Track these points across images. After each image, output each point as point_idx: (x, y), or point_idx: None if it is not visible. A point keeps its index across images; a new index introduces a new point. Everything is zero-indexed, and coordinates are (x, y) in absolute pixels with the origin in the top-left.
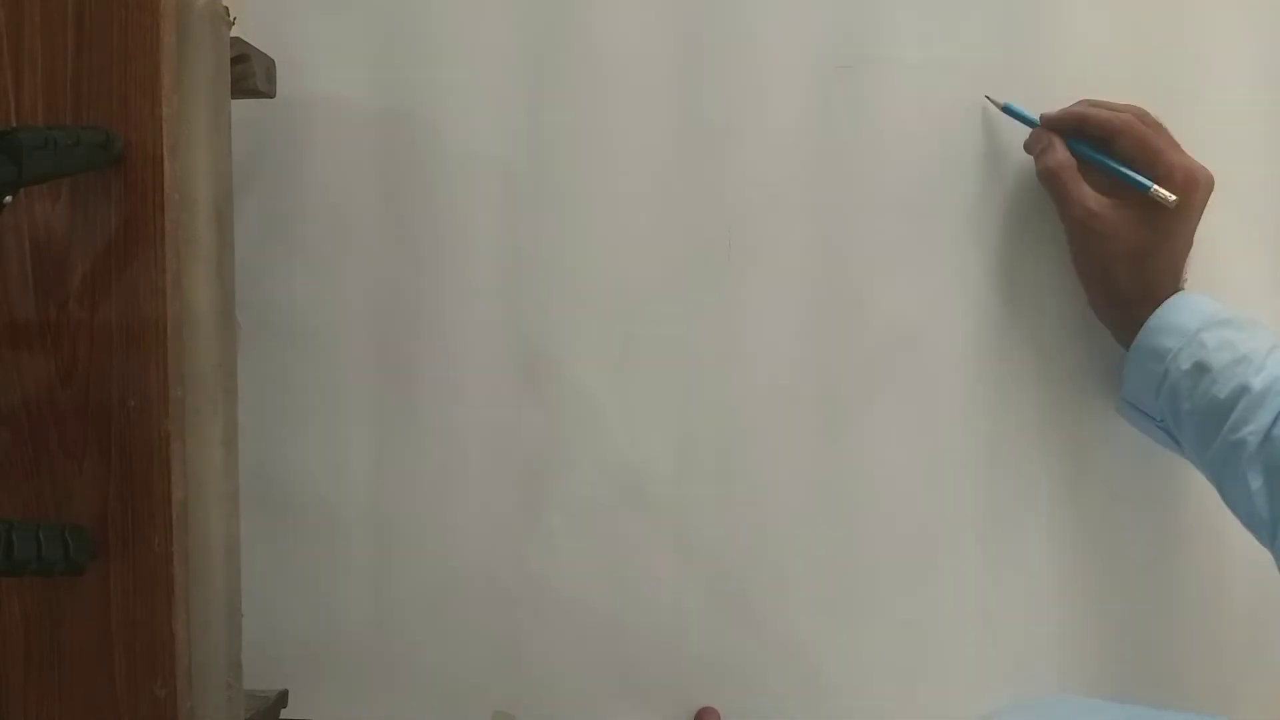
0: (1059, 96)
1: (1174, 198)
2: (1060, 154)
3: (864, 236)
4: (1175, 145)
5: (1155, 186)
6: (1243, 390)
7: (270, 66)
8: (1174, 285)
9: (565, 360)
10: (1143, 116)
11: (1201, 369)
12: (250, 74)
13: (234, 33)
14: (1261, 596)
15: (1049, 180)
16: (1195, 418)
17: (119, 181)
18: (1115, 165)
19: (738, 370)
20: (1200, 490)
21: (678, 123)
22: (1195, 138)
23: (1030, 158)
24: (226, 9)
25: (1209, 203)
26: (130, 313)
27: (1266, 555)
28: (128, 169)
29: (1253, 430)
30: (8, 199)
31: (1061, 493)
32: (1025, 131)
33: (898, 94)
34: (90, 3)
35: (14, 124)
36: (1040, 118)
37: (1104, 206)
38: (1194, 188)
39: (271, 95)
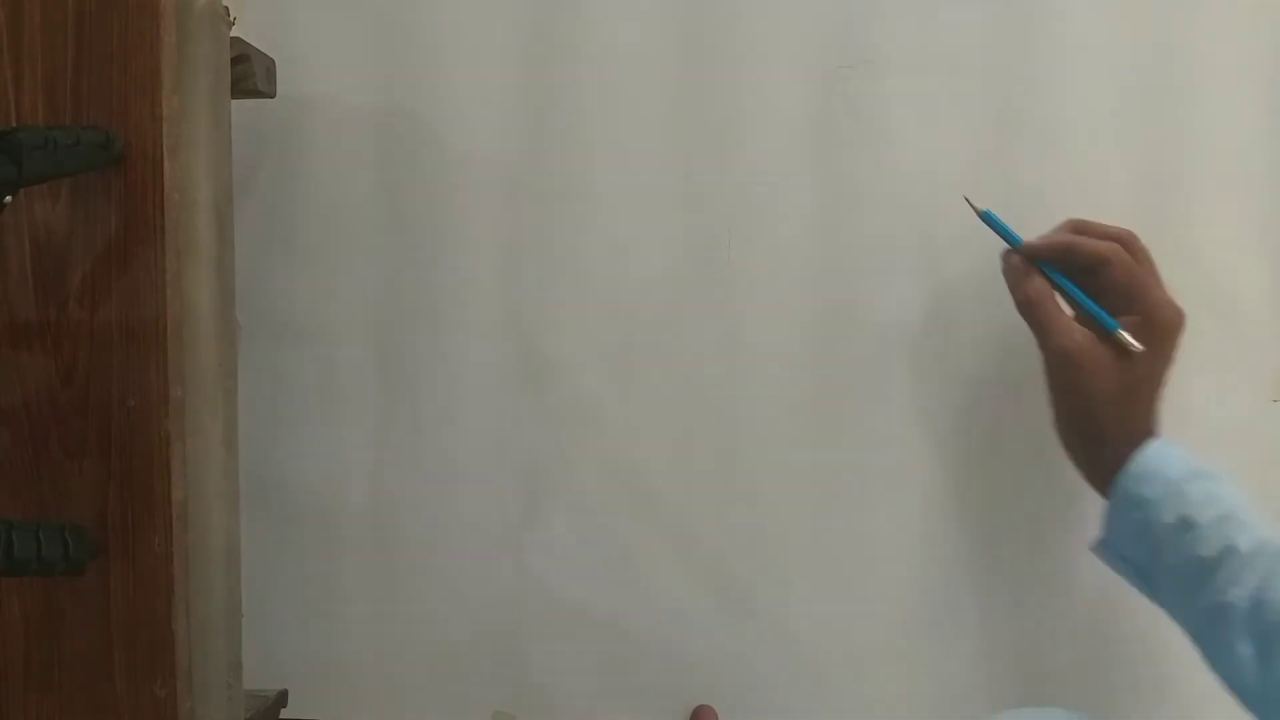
0: (1059, 97)
1: (1140, 346)
2: (1038, 282)
3: (864, 237)
4: (1157, 277)
5: (1121, 330)
6: (1229, 551)
7: (270, 66)
8: (1151, 428)
9: (565, 360)
10: (1129, 244)
11: (1187, 524)
12: (250, 74)
13: (234, 33)
14: None
15: (1030, 311)
16: (1178, 573)
17: (119, 181)
18: (1086, 303)
19: (738, 370)
20: None
21: (678, 123)
22: (1195, 138)
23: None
24: (226, 9)
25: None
26: (130, 313)
27: None
28: (128, 169)
29: (1240, 594)
30: (8, 199)
31: (1062, 493)
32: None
33: (898, 94)
34: (90, 3)
35: (14, 124)
36: (1024, 245)
37: (1086, 340)
38: (1165, 334)
39: (271, 95)
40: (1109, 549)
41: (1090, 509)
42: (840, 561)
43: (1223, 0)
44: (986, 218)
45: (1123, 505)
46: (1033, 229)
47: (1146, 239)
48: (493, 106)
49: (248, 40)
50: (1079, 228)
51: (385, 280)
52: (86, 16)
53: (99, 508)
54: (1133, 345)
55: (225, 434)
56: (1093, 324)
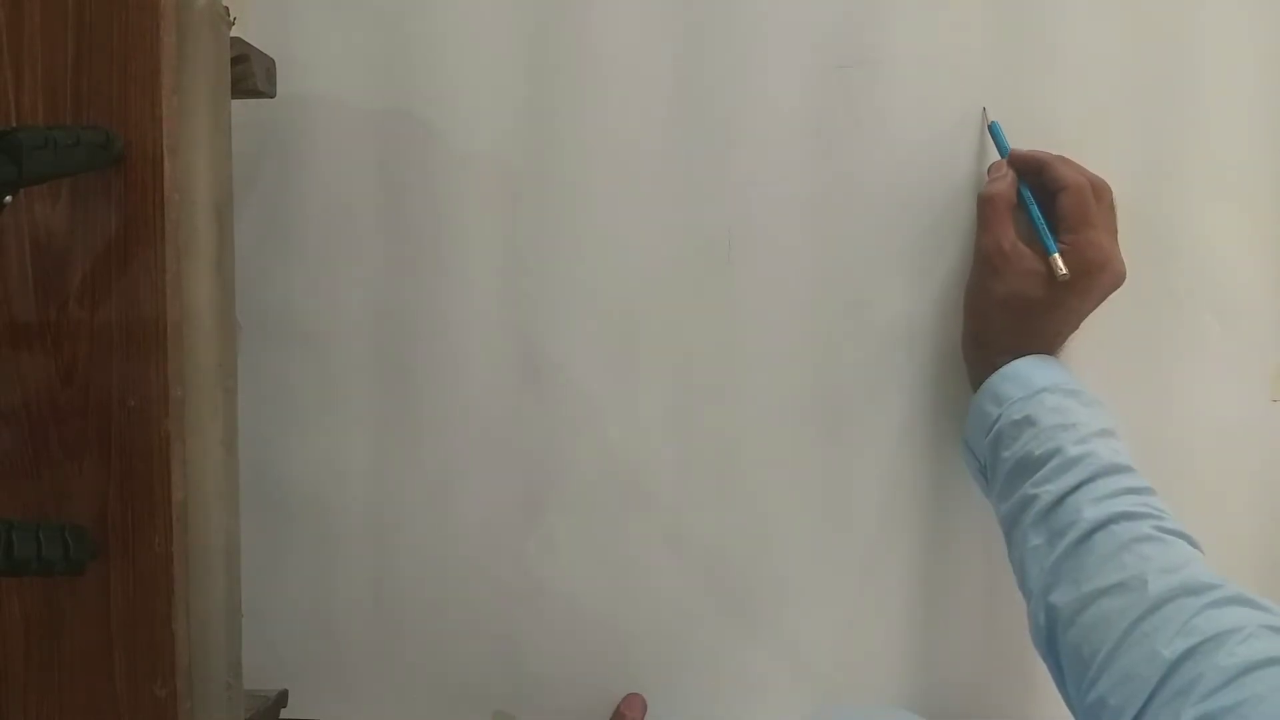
0: (1059, 97)
1: (1064, 271)
2: (1002, 186)
3: (864, 236)
4: (1111, 229)
5: (1056, 254)
6: (1056, 451)
7: (270, 66)
8: (1042, 353)
9: (565, 360)
10: (1099, 188)
11: (1029, 422)
12: (250, 74)
13: (234, 33)
14: None
15: (982, 206)
16: (1008, 465)
17: (119, 181)
18: (1035, 216)
19: (738, 370)
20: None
21: (678, 123)
22: (1195, 138)
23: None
24: (226, 9)
25: (1206, 204)
26: (130, 313)
27: None
28: (128, 169)
29: (1050, 490)
30: (8, 199)
31: None
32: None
33: (897, 94)
34: (90, 3)
35: (14, 124)
36: (1010, 150)
37: (1013, 249)
38: (1096, 272)
39: (271, 95)
40: (966, 446)
41: None
42: (840, 561)
43: (1223, 0)
44: (993, 129)
45: (983, 399)
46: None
47: (1147, 238)
48: (493, 107)
49: (248, 40)
50: (1062, 158)
51: (385, 280)
52: (86, 16)
53: (99, 508)
54: (1058, 268)
55: (225, 434)
56: (1037, 245)
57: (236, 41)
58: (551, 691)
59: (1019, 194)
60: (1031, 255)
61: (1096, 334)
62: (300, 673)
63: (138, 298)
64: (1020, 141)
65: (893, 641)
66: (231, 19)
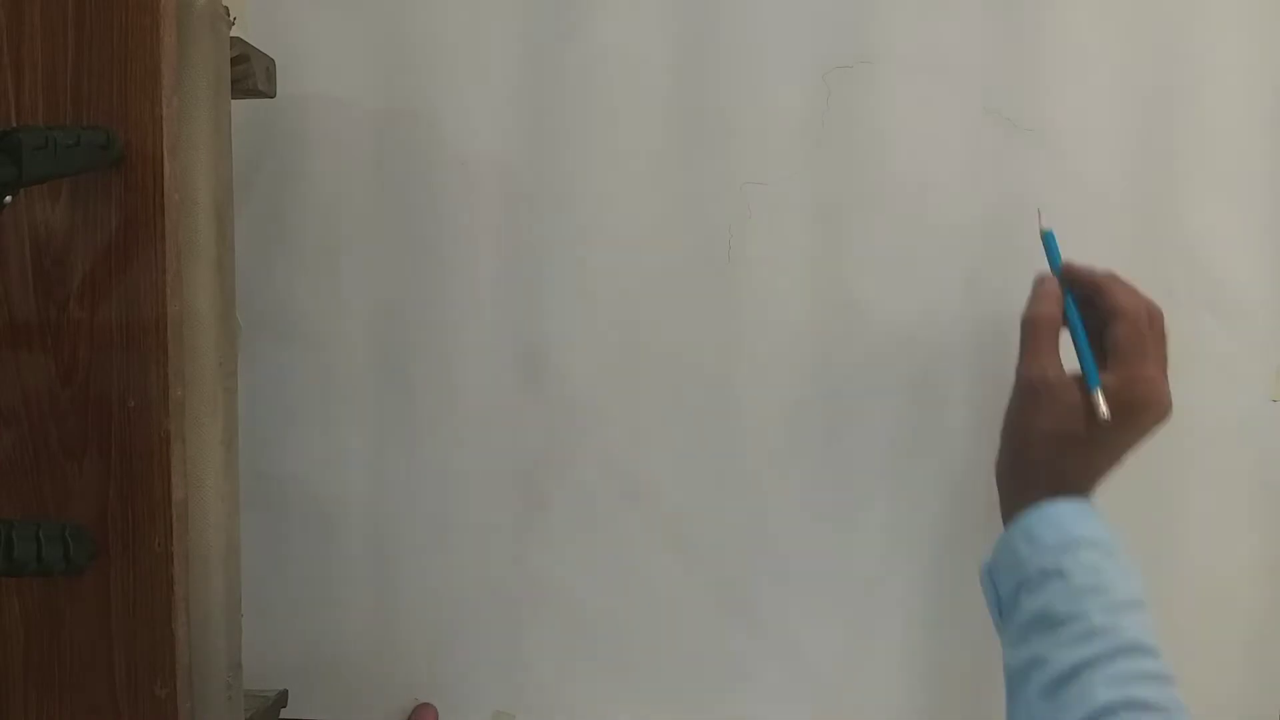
0: (1059, 97)
1: (1105, 413)
2: (1051, 309)
3: (864, 236)
4: (1161, 361)
5: (1099, 391)
6: (1082, 616)
7: (270, 66)
8: (1080, 492)
9: (565, 360)
10: (1153, 315)
11: (1060, 575)
12: (250, 74)
13: (234, 33)
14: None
15: (1026, 329)
16: (1026, 615)
17: (119, 181)
18: (1083, 347)
19: (738, 370)
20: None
21: (678, 123)
22: (1195, 138)
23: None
24: (226, 9)
25: (1205, 204)
26: (130, 313)
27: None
28: (128, 169)
29: (1066, 659)
30: (8, 199)
31: None
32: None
33: (897, 94)
34: (90, 3)
35: (14, 124)
36: (1063, 266)
37: (1058, 381)
38: (1143, 410)
39: (271, 95)
40: (985, 573)
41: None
42: (840, 561)
43: (1223, 1)
44: (1047, 238)
45: (1016, 537)
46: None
47: (1147, 238)
48: (493, 107)
49: (248, 40)
50: (1117, 278)
51: (385, 280)
52: (86, 16)
53: (99, 508)
54: (1099, 409)
55: (225, 434)
56: (1079, 378)
57: (236, 41)
58: (551, 691)
59: (1066, 316)
60: (1076, 388)
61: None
62: (300, 673)
63: (138, 297)
64: (1020, 145)
65: (893, 641)
66: (231, 19)
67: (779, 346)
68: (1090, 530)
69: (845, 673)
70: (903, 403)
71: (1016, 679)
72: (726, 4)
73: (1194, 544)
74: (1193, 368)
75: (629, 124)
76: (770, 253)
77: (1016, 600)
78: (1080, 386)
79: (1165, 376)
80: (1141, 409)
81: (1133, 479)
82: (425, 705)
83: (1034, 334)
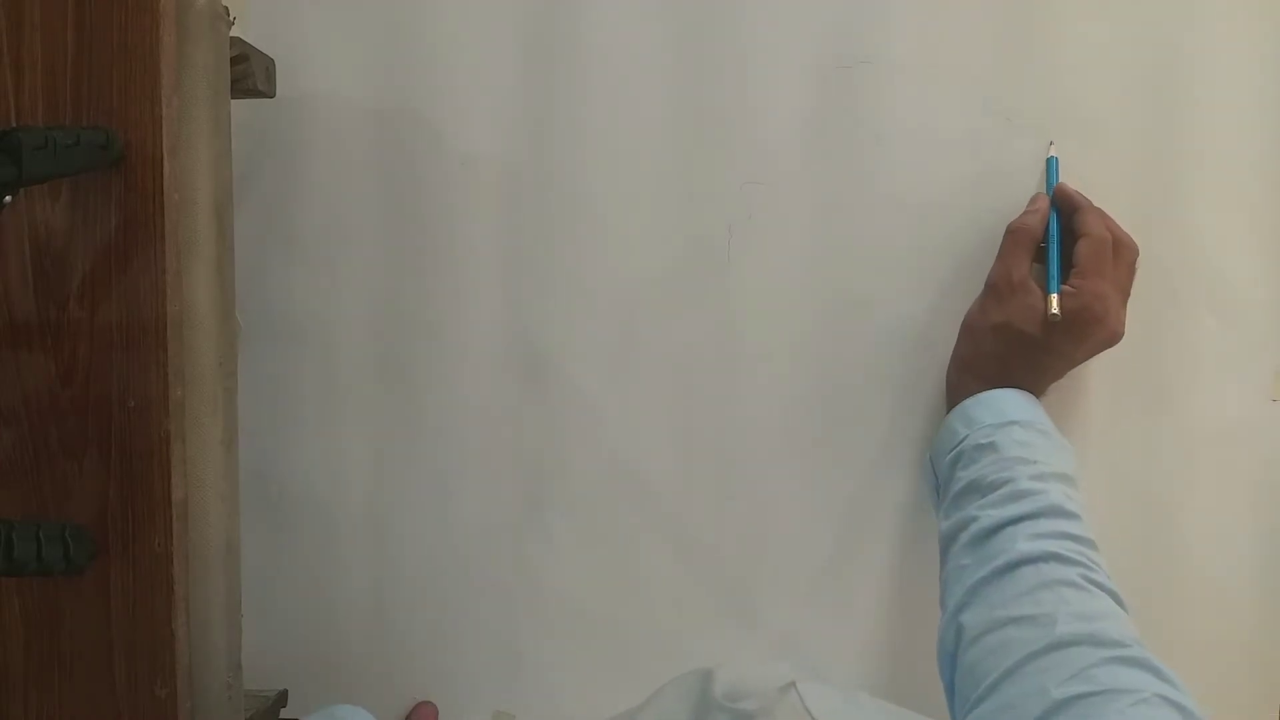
0: (1059, 97)
1: (1056, 312)
2: (1033, 221)
3: (864, 236)
4: (1122, 289)
5: (1054, 295)
6: (1009, 481)
7: (270, 66)
8: (1024, 388)
9: (565, 360)
10: (1123, 246)
11: (992, 448)
12: (250, 74)
13: (234, 33)
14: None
15: (1006, 235)
16: (960, 485)
17: (119, 181)
18: (1052, 255)
19: (737, 370)
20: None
21: (678, 122)
22: (1195, 138)
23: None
24: (226, 9)
25: (1205, 204)
26: (130, 313)
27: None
28: (128, 169)
29: (991, 516)
30: (8, 199)
31: None
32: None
33: (898, 94)
34: (90, 3)
35: (14, 124)
36: (1055, 187)
37: (1021, 282)
38: (1093, 322)
39: (271, 95)
40: (929, 465)
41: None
42: (840, 561)
43: (1223, 1)
44: (1050, 163)
45: (954, 419)
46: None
47: (1146, 238)
48: (493, 107)
49: (248, 40)
50: (1096, 208)
51: (385, 280)
52: (86, 17)
53: (99, 508)
54: (1051, 307)
55: (225, 434)
56: (1042, 284)
57: (236, 41)
58: (551, 691)
59: (1047, 231)
60: (1038, 293)
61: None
62: (300, 673)
63: (138, 297)
64: (1020, 145)
65: (893, 641)
66: (231, 19)
67: (779, 346)
68: (1026, 414)
69: (844, 671)
70: (903, 402)
71: (947, 541)
72: (726, 4)
73: (1194, 544)
74: (1193, 368)
75: (629, 124)
76: (770, 253)
77: (952, 475)
78: (1043, 293)
79: (1122, 304)
80: (1093, 320)
81: (1133, 479)
82: (425, 704)
83: (1011, 240)
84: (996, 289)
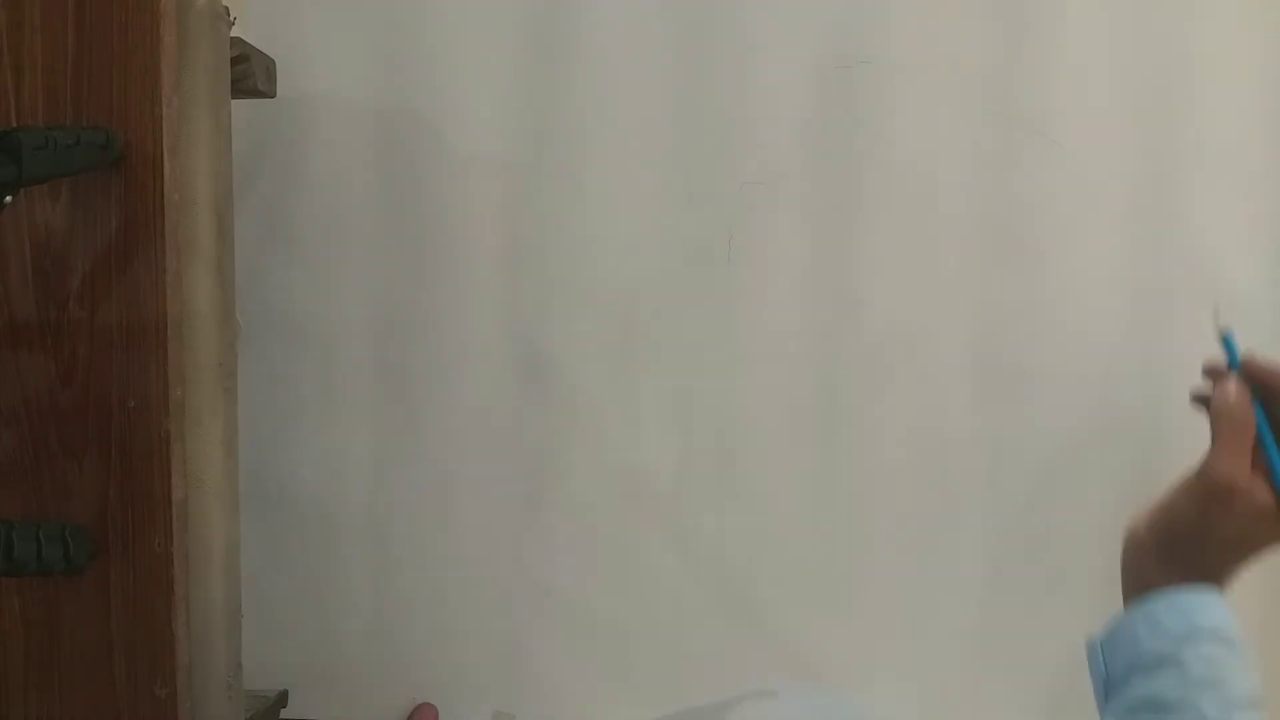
0: (1059, 97)
1: None
2: (1244, 407)
3: (864, 236)
4: None
5: None
6: (1192, 708)
7: (270, 66)
8: (1217, 583)
9: (565, 360)
10: None
11: (1175, 662)
12: (250, 74)
13: (234, 33)
14: None
15: (1222, 423)
16: (1135, 699)
17: (119, 181)
18: (1269, 445)
19: (738, 370)
20: None
21: (678, 123)
22: (1195, 138)
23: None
24: (226, 9)
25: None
26: (130, 313)
27: None
28: (128, 169)
29: None
30: (8, 199)
31: (1062, 490)
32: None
33: (898, 94)
34: (90, 3)
35: (14, 124)
36: (1242, 361)
37: (1249, 486)
38: None
39: (271, 95)
40: (1096, 648)
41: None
42: (839, 561)
43: (1223, 1)
44: (1226, 340)
45: (1137, 618)
46: (1035, 229)
47: (1147, 238)
48: (493, 106)
49: (248, 40)
50: None
51: (385, 280)
52: (86, 17)
53: (99, 508)
54: None
55: (225, 434)
56: (1262, 472)
57: (236, 41)
58: (551, 692)
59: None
60: (1265, 490)
61: (1096, 335)
62: (300, 673)
63: (138, 298)
64: (1020, 145)
65: (892, 641)
66: (231, 19)
67: (779, 346)
68: (1215, 619)
69: (843, 671)
70: (901, 401)
71: None
72: (727, 5)
73: None
74: (1193, 368)
75: (629, 124)
76: (770, 252)
77: (1128, 680)
78: (1262, 489)
79: None
80: None
81: (1134, 479)
82: (425, 705)
83: (1230, 430)
84: (1228, 493)
